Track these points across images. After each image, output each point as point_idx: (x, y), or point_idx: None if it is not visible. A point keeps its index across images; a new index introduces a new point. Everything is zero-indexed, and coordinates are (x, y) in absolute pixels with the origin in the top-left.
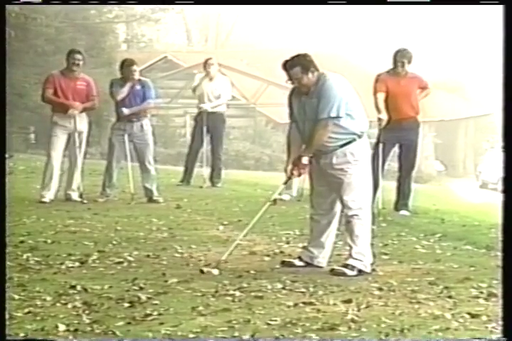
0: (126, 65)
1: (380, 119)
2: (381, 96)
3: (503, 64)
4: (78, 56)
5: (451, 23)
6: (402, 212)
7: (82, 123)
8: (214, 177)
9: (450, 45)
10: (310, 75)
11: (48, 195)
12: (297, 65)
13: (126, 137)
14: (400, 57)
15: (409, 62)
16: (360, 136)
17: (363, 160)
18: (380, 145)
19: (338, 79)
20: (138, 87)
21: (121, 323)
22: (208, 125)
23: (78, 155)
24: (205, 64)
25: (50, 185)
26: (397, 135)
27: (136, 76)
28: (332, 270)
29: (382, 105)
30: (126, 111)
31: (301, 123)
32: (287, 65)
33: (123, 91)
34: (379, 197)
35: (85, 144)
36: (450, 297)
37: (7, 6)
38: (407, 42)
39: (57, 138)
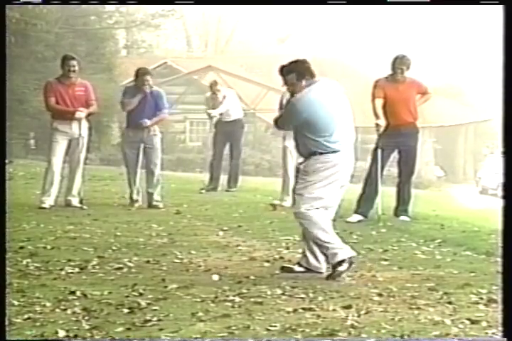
0: (140, 73)
1: (377, 125)
2: (379, 102)
3: (503, 66)
4: (73, 62)
5: (451, 26)
6: (402, 218)
7: (83, 128)
8: (231, 182)
9: (450, 50)
10: (304, 83)
11: (48, 201)
12: (293, 71)
13: (141, 146)
14: (399, 64)
15: (407, 68)
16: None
17: (316, 174)
18: (379, 151)
19: (306, 98)
20: (149, 97)
21: (120, 329)
22: (225, 131)
23: (79, 160)
24: (212, 87)
25: (51, 191)
26: (396, 141)
27: (149, 87)
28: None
29: (380, 111)
30: (148, 122)
31: None
32: (284, 70)
33: (133, 102)
34: (378, 203)
35: (86, 150)
36: (450, 303)
37: (7, 11)
38: (407, 47)
39: (58, 144)
